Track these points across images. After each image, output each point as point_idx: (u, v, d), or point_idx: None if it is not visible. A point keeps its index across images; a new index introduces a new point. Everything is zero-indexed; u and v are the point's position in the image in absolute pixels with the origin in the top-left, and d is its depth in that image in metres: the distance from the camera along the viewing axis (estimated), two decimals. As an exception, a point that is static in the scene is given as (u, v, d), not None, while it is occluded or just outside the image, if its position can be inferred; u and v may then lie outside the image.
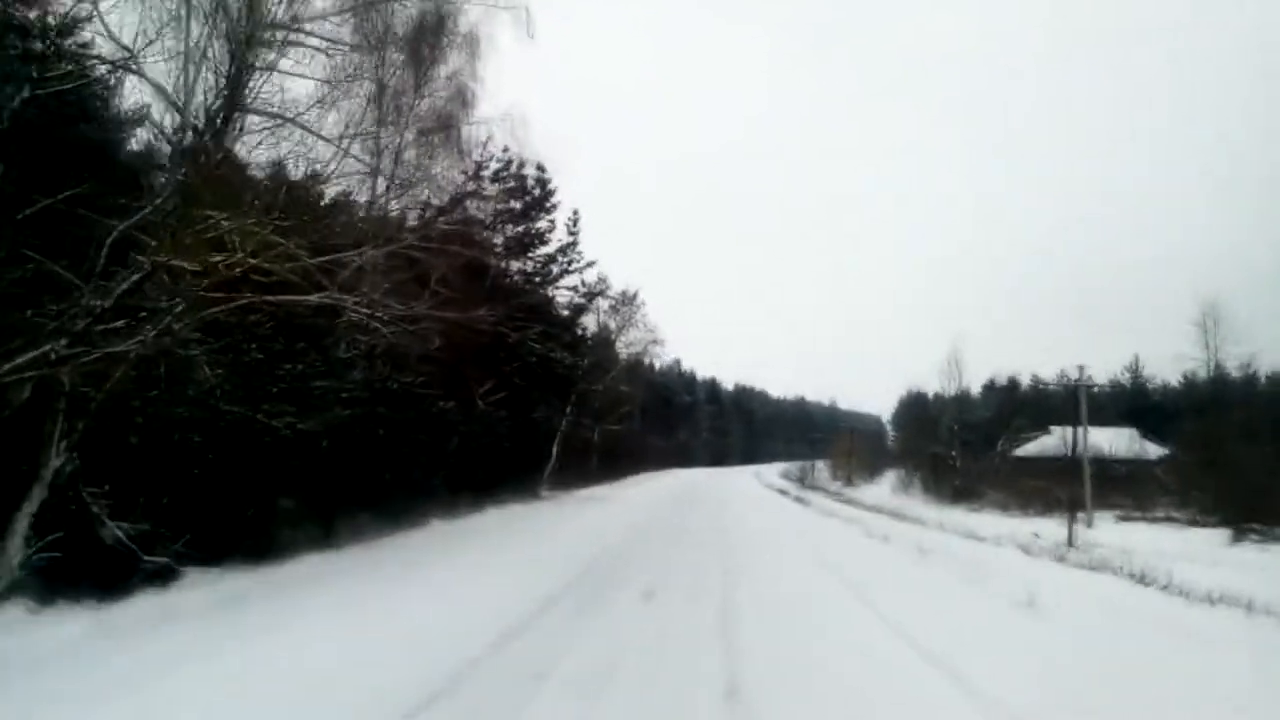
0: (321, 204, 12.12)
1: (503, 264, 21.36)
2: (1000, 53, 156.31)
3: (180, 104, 9.23)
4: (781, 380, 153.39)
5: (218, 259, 7.68)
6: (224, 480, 9.29)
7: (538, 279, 24.68)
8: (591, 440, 33.94)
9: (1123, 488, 30.56)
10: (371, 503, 13.56)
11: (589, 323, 35.24)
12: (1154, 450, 38.63)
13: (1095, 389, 57.64)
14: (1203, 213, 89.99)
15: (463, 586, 10.08)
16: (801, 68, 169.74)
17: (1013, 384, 46.38)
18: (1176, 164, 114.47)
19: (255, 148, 10.68)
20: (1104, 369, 49.96)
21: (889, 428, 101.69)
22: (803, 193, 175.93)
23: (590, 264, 28.41)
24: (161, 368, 8.05)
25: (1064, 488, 34.10)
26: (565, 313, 27.21)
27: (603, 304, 33.72)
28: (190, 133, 9.35)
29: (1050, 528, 26.49)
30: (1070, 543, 19.95)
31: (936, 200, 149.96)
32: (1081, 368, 25.93)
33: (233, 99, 9.73)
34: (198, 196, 7.89)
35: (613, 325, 35.75)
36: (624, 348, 37.17)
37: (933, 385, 52.99)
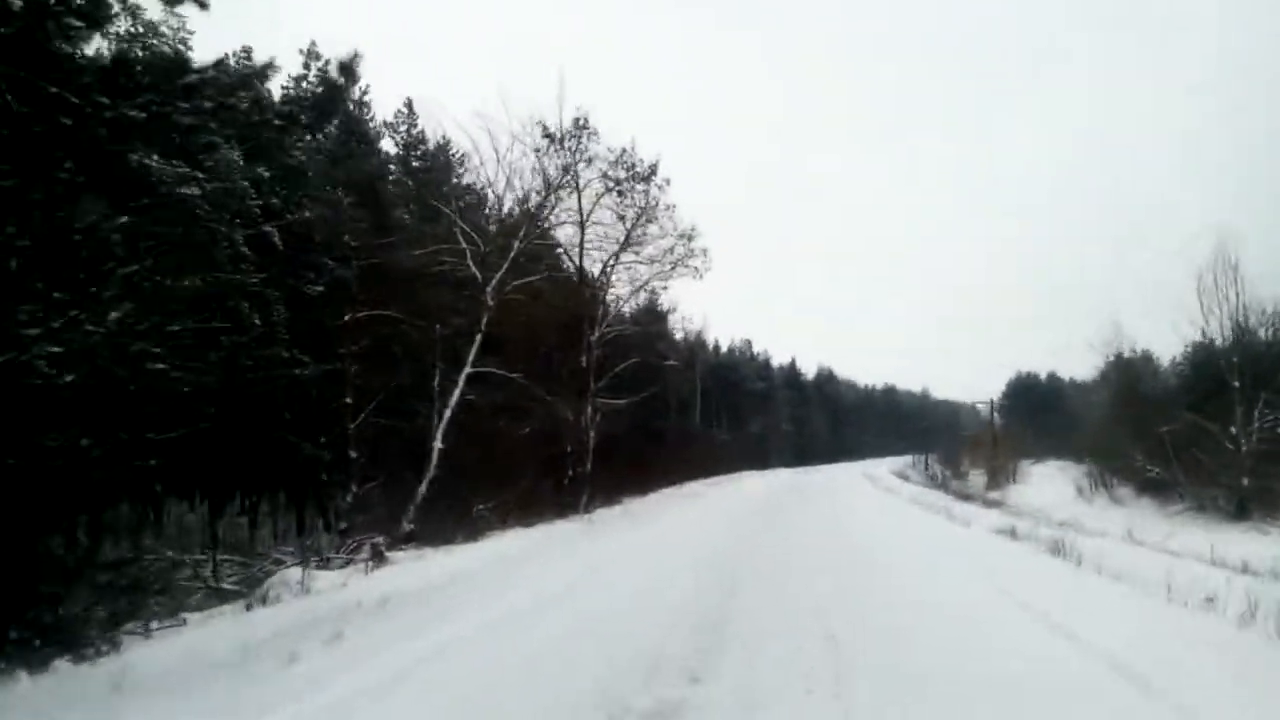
0: None
1: None
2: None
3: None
4: (866, 372, 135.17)
5: None
6: None
7: None
8: (581, 426, 19.47)
9: None
10: None
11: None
12: None
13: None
14: None
15: None
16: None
17: None
18: None
19: None
20: None
21: (996, 417, 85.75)
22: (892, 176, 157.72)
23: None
24: None
25: None
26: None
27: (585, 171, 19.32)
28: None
29: None
30: None
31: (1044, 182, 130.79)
32: None
33: None
34: None
35: (617, 216, 20.88)
36: (639, 260, 22.10)
37: (1141, 334, 36.69)
